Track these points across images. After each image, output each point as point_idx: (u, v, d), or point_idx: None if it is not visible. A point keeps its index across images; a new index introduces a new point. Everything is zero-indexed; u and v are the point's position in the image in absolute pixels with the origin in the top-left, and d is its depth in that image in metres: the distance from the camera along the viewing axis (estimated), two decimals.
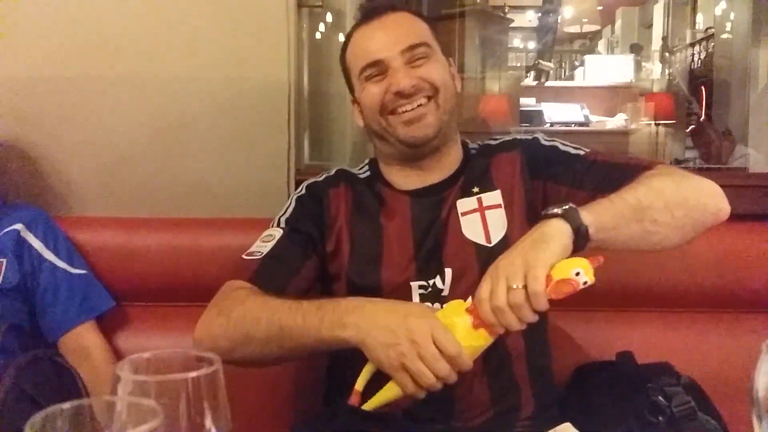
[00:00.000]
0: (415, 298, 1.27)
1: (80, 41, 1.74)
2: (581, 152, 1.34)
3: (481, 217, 1.31)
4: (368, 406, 1.09)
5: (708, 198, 1.19)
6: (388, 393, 1.08)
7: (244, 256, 1.31)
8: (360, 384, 1.09)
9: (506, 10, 5.32)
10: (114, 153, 1.77)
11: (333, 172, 1.46)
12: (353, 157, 2.09)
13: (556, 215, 1.06)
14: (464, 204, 1.33)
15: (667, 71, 6.12)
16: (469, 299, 1.07)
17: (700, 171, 4.05)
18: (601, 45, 8.45)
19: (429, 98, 1.29)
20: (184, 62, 1.75)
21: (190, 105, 1.75)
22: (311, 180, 1.44)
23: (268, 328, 1.12)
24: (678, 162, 4.54)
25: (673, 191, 1.15)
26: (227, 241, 1.65)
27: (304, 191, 1.42)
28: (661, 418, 1.16)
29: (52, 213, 1.64)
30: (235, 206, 1.76)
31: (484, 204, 1.32)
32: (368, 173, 1.45)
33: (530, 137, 1.41)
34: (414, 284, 1.28)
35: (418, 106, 1.28)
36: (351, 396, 1.09)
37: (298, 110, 1.82)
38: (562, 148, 1.36)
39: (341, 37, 1.90)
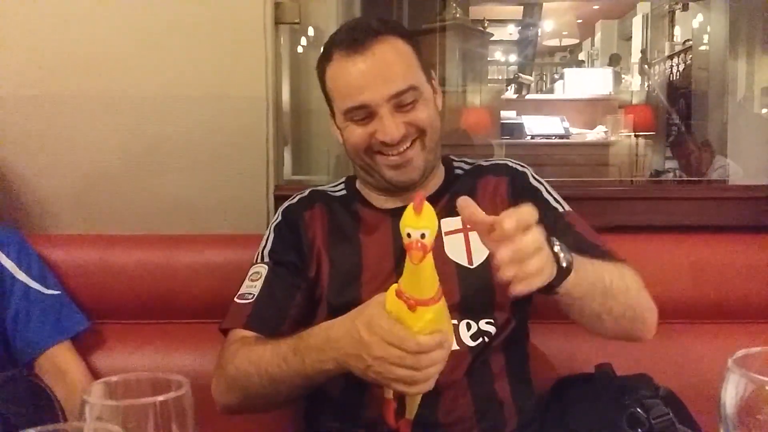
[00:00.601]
0: None
1: (55, 58, 1.73)
2: (560, 209, 1.33)
3: (465, 238, 1.30)
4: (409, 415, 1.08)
5: (649, 315, 1.23)
6: (411, 400, 1.06)
7: (236, 299, 1.32)
8: (411, 412, 1.07)
9: (486, 24, 5.36)
10: (89, 171, 1.76)
11: (306, 193, 1.44)
12: (336, 172, 2.09)
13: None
14: (449, 223, 1.30)
15: (646, 83, 6.19)
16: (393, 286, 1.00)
17: (680, 183, 4.11)
18: (582, 58, 8.53)
19: (415, 140, 1.28)
20: (161, 80, 1.75)
21: (166, 122, 1.74)
22: (286, 204, 1.43)
23: (260, 380, 1.16)
24: (658, 173, 4.59)
25: (634, 295, 1.18)
26: (205, 257, 1.65)
27: (280, 218, 1.41)
28: (639, 430, 1.16)
29: (24, 231, 1.62)
30: (213, 223, 1.75)
31: (468, 225, 1.30)
32: (344, 191, 1.44)
33: (520, 168, 1.39)
34: None
35: (405, 149, 1.27)
36: (384, 409, 1.07)
37: (278, 126, 1.82)
38: (544, 195, 1.35)
39: None
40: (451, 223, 1.31)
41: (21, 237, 1.58)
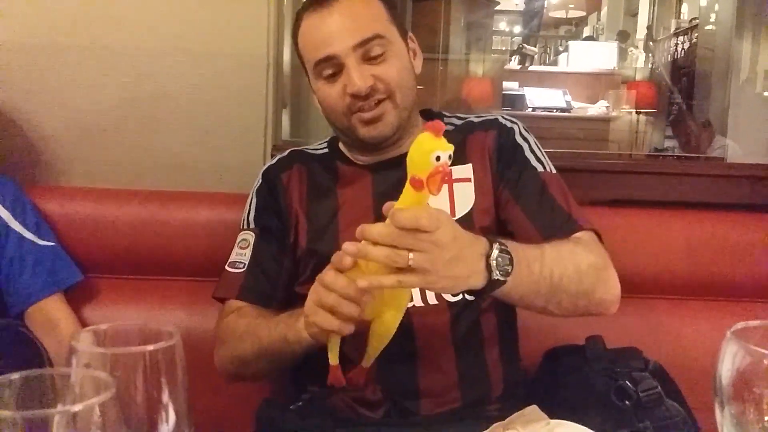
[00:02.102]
0: None
1: (54, 8, 1.70)
2: (539, 168, 1.31)
3: (449, 189, 1.29)
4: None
5: (609, 296, 1.20)
6: (331, 344, 1.04)
7: (227, 268, 1.34)
8: (333, 358, 1.05)
9: None
10: (87, 123, 1.74)
11: (286, 153, 1.44)
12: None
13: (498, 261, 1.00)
14: None
15: (650, 60, 6.14)
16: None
17: (679, 159, 4.10)
18: (587, 32, 8.45)
19: (385, 99, 1.26)
20: (161, 34, 1.72)
21: (164, 77, 1.72)
22: (266, 166, 1.43)
23: (253, 348, 1.20)
24: (657, 151, 4.57)
25: (590, 282, 1.15)
26: (199, 215, 1.64)
27: (261, 181, 1.41)
28: (627, 402, 1.16)
29: (20, 181, 1.60)
30: (209, 181, 1.74)
31: (454, 176, 1.29)
32: (326, 150, 1.43)
33: (509, 124, 1.37)
34: None
35: (377, 104, 1.25)
36: (330, 375, 1.06)
37: (277, 86, 1.80)
38: (526, 152, 1.32)
39: None
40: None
41: (17, 186, 1.56)
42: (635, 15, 7.52)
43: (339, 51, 1.23)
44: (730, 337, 0.62)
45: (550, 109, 4.66)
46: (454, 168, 1.26)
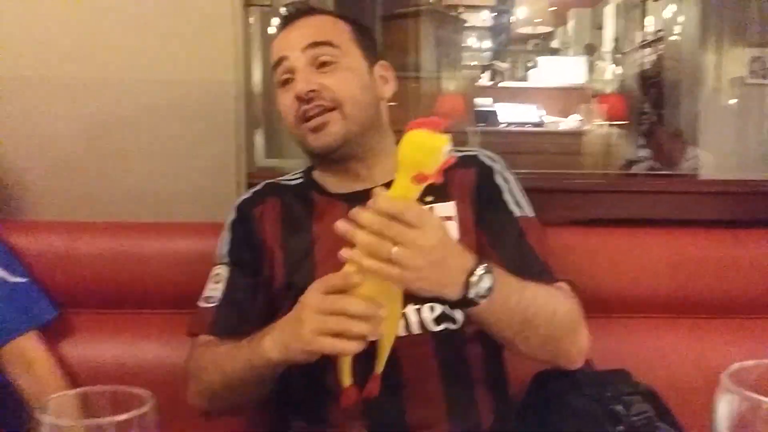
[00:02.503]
0: None
1: (17, 41, 1.68)
2: (516, 212, 1.28)
3: None
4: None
5: (575, 348, 1.19)
6: (343, 364, 1.02)
7: (200, 303, 1.30)
8: (346, 378, 1.03)
9: (460, 10, 5.32)
10: (52, 155, 1.71)
11: (261, 186, 1.41)
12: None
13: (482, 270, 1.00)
14: None
15: (618, 73, 6.21)
16: None
17: (650, 177, 4.13)
18: (555, 45, 8.53)
19: (333, 108, 1.24)
20: (125, 63, 1.70)
21: (131, 107, 1.70)
22: (240, 199, 1.40)
23: (219, 378, 1.16)
24: (630, 162, 4.60)
25: (562, 329, 1.14)
26: (175, 246, 1.61)
27: (234, 215, 1.38)
28: (620, 427, 1.15)
29: None
30: (182, 211, 1.70)
31: (436, 215, 1.26)
32: (300, 180, 1.40)
33: (488, 162, 1.34)
34: None
35: (322, 112, 1.23)
36: (344, 397, 1.03)
37: (249, 111, 1.77)
38: (505, 195, 1.29)
39: None
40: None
41: None
42: (600, 28, 7.63)
43: (290, 53, 1.24)
44: (726, 381, 0.59)
45: (522, 125, 4.69)
46: (436, 206, 1.25)
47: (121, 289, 1.59)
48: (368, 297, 0.94)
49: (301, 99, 1.23)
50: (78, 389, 0.60)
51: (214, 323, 1.26)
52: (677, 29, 5.94)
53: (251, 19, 1.88)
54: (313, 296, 0.99)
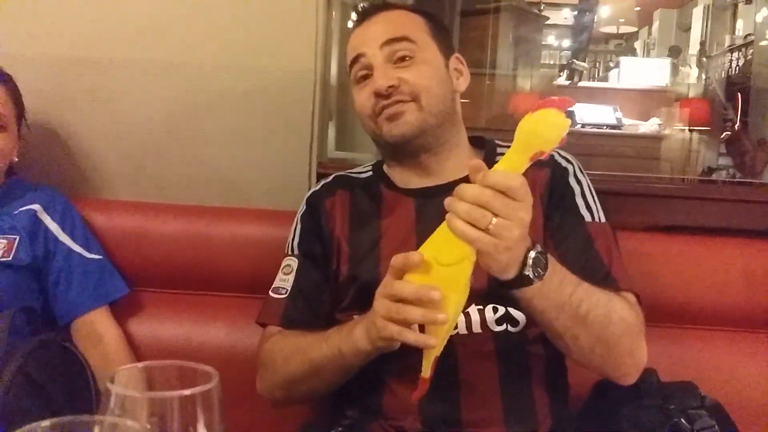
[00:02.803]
0: None
1: (108, 23, 1.72)
2: (587, 217, 1.25)
3: None
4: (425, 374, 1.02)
5: (629, 361, 1.15)
6: (425, 359, 1.01)
7: (270, 293, 1.33)
8: (427, 370, 1.01)
9: (542, 8, 5.24)
10: (134, 137, 1.75)
11: (330, 179, 1.42)
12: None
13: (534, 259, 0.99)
14: None
15: (703, 77, 6.00)
16: None
17: (731, 184, 3.99)
18: (638, 46, 8.32)
19: (410, 100, 1.24)
20: (210, 49, 1.72)
21: (212, 92, 1.72)
22: (311, 191, 1.41)
23: (303, 366, 1.18)
24: (711, 170, 4.45)
25: (616, 334, 1.10)
26: (244, 231, 1.64)
27: (305, 207, 1.39)
28: None
29: (69, 194, 1.62)
30: (254, 197, 1.73)
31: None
32: (370, 173, 1.40)
33: (564, 163, 1.31)
34: None
35: (397, 103, 1.23)
36: (420, 389, 1.02)
37: (324, 102, 1.79)
38: (576, 198, 1.27)
39: None
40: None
41: (66, 199, 1.58)
42: (687, 30, 7.38)
43: (367, 49, 1.25)
44: None
45: (600, 126, 4.57)
46: None
47: (191, 270, 1.63)
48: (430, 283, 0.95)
49: (380, 95, 1.23)
50: (145, 362, 0.62)
51: (285, 315, 1.29)
52: None
53: (333, 12, 1.89)
54: (384, 283, 1.01)
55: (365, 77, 1.27)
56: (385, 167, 1.39)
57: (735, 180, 3.83)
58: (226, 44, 1.72)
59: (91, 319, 1.51)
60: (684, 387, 1.31)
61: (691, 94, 5.50)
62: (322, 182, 1.42)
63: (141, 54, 1.72)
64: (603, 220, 1.27)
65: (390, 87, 1.22)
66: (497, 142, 1.39)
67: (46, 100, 1.72)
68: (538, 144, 0.90)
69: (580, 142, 4.14)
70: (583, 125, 4.61)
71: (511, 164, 0.92)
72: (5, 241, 1.45)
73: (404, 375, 1.17)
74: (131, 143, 1.76)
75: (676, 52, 6.83)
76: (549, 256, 1.01)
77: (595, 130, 4.58)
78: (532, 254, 0.97)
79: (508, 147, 1.37)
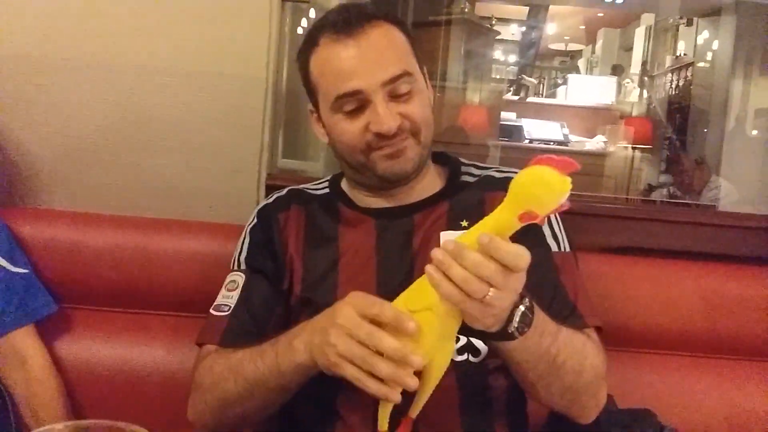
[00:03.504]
0: None
1: (45, 18, 1.59)
2: (553, 247, 1.21)
3: None
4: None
5: (593, 403, 1.13)
6: (382, 409, 0.95)
7: (212, 311, 1.23)
8: (383, 423, 0.95)
9: (493, 22, 5.26)
10: (69, 140, 1.63)
11: (284, 192, 1.33)
12: (330, 160, 1.98)
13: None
14: (449, 237, 1.18)
15: (645, 96, 6.15)
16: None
17: (668, 204, 4.07)
18: (581, 64, 8.49)
19: (408, 137, 1.17)
20: (153, 51, 1.61)
21: (157, 96, 1.62)
22: (262, 204, 1.33)
23: (236, 385, 1.08)
24: (651, 188, 4.54)
25: (585, 382, 1.07)
26: (187, 245, 1.54)
27: (255, 220, 1.30)
28: None
29: None
30: (198, 209, 1.63)
31: None
32: (326, 190, 1.33)
33: None
34: None
35: (400, 141, 1.16)
36: None
37: (275, 111, 1.70)
38: (543, 227, 1.21)
39: None
40: (450, 237, 1.20)
41: None
42: (630, 50, 7.57)
43: (366, 86, 1.13)
44: None
45: (547, 142, 4.61)
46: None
47: (126, 287, 1.51)
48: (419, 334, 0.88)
49: (383, 136, 1.14)
50: (70, 422, 0.53)
51: (226, 334, 1.19)
52: (709, 56, 5.88)
53: (287, 17, 1.81)
54: (348, 315, 0.92)
55: (357, 109, 1.16)
56: (343, 185, 1.32)
57: (673, 201, 3.91)
58: (172, 45, 1.61)
59: (14, 339, 1.38)
60: (642, 414, 1.29)
61: (635, 113, 5.63)
62: (275, 195, 1.33)
63: (79, 52, 1.60)
64: (568, 248, 1.22)
65: (397, 127, 1.14)
66: (462, 160, 1.33)
67: None
68: (527, 203, 0.82)
69: (527, 157, 4.18)
70: (531, 141, 4.65)
71: (499, 223, 0.85)
72: None
73: (357, 404, 1.10)
74: (65, 148, 1.63)
75: (619, 71, 6.99)
76: (535, 307, 0.96)
77: (542, 145, 4.62)
78: (521, 309, 0.93)
79: (473, 165, 1.33)
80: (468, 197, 1.24)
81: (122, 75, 1.61)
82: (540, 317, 0.97)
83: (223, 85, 1.62)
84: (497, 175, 1.29)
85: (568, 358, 1.02)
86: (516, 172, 1.26)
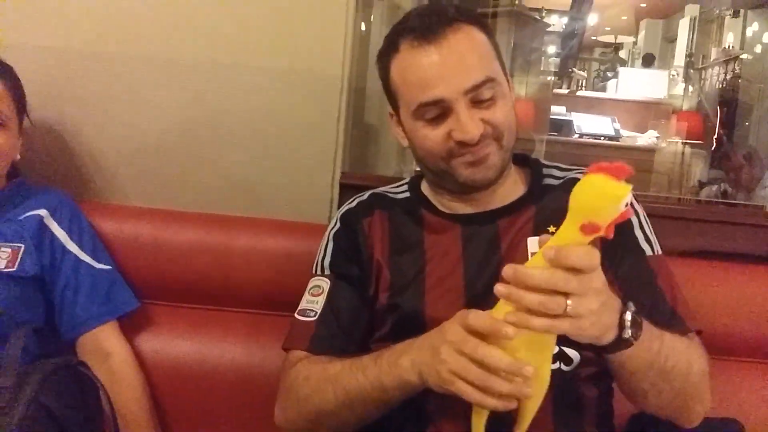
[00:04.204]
0: None
1: (123, 16, 1.61)
2: (648, 250, 1.19)
3: None
4: None
5: (701, 409, 1.12)
6: (477, 418, 0.95)
7: (297, 316, 1.23)
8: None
9: (543, 14, 5.18)
10: (148, 139, 1.64)
11: (366, 197, 1.32)
12: (399, 160, 1.97)
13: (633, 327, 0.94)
14: (537, 243, 1.19)
15: (690, 89, 6.03)
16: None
17: (717, 204, 3.98)
18: (623, 56, 8.35)
19: (491, 142, 1.15)
20: (229, 47, 1.62)
21: (233, 94, 1.62)
22: (344, 209, 1.31)
23: (336, 397, 1.08)
24: (701, 185, 4.44)
25: (695, 386, 1.07)
26: (264, 243, 1.54)
27: (338, 225, 1.29)
28: None
29: (75, 198, 1.51)
30: (273, 207, 1.64)
31: None
32: (407, 193, 1.31)
33: None
34: None
35: (483, 148, 1.14)
36: None
37: (350, 110, 1.69)
38: (635, 230, 1.20)
39: None
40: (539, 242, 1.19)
41: (73, 203, 1.48)
42: (673, 41, 7.42)
43: (448, 95, 1.11)
44: None
45: (597, 137, 4.53)
46: None
47: (206, 283, 1.52)
48: (517, 349, 0.87)
49: (466, 144, 1.13)
50: None
51: (314, 340, 1.19)
52: (758, 48, 5.75)
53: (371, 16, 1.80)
54: (455, 331, 0.92)
55: (439, 116, 1.14)
56: (423, 188, 1.30)
57: (719, 197, 3.83)
58: (248, 43, 1.61)
59: (98, 334, 1.40)
60: (727, 424, 1.26)
61: (685, 107, 5.53)
62: (357, 199, 1.32)
63: (157, 50, 1.61)
64: (659, 251, 1.20)
65: (480, 135, 1.12)
66: (543, 161, 1.31)
67: (53, 96, 1.61)
68: (585, 214, 0.81)
69: (576, 152, 4.12)
70: (581, 135, 4.58)
71: (563, 240, 0.84)
72: (9, 250, 1.34)
73: (449, 408, 1.08)
74: (144, 145, 1.65)
75: (649, 61, 6.86)
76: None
77: (591, 140, 4.55)
78: (629, 316, 0.92)
79: (556, 167, 1.31)
80: (553, 201, 1.21)
81: (199, 72, 1.62)
82: (645, 322, 0.96)
83: (299, 82, 1.62)
84: (580, 177, 1.26)
85: (676, 362, 1.01)
86: None
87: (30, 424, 1.01)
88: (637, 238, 1.19)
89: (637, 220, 1.20)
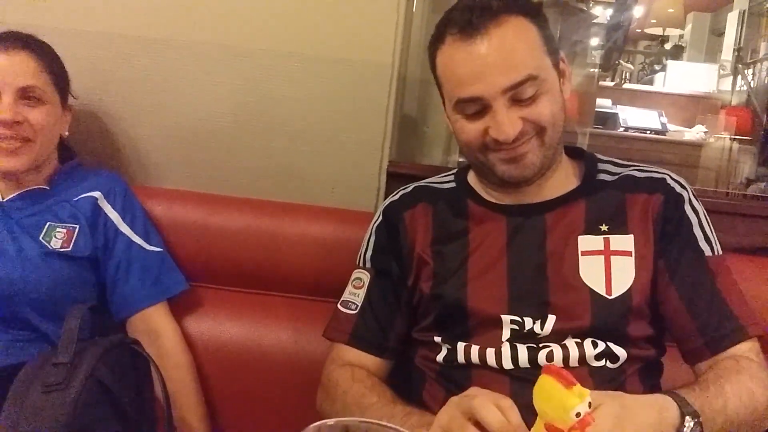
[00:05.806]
0: (506, 334, 1.13)
1: (176, 2, 1.64)
2: (707, 251, 1.15)
3: (605, 262, 1.14)
4: None
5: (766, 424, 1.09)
6: None
7: (339, 306, 1.27)
8: None
9: (591, 5, 5.08)
10: (197, 123, 1.67)
11: (410, 189, 1.31)
12: (448, 149, 1.96)
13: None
14: (588, 242, 1.15)
15: (743, 84, 5.89)
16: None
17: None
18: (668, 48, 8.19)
19: (532, 137, 1.13)
20: (278, 35, 1.63)
21: (283, 81, 1.64)
22: (388, 201, 1.31)
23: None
24: (749, 182, 4.34)
25: (759, 424, 1.06)
26: (312, 229, 1.56)
27: (381, 218, 1.30)
28: None
29: (127, 181, 1.54)
30: (320, 194, 1.65)
31: (612, 247, 1.14)
32: (453, 184, 1.30)
33: (679, 189, 1.19)
34: (505, 318, 1.13)
35: (520, 144, 1.12)
36: None
37: (399, 99, 1.69)
38: (695, 229, 1.16)
39: None
40: (590, 242, 1.16)
41: (125, 186, 1.51)
42: (721, 35, 7.26)
43: (486, 93, 1.09)
44: None
45: (644, 131, 4.44)
46: (612, 238, 1.15)
47: (254, 268, 1.54)
48: None
49: (504, 143, 1.12)
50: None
51: (354, 333, 1.23)
52: None
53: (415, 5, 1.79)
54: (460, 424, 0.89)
55: (479, 112, 1.13)
56: (470, 178, 1.30)
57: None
58: (298, 30, 1.62)
59: (149, 314, 1.43)
60: None
61: (733, 102, 5.40)
62: (401, 192, 1.32)
63: (208, 37, 1.63)
64: (720, 252, 1.17)
65: (517, 133, 1.11)
66: (599, 156, 1.28)
67: (104, 79, 1.65)
68: (544, 417, 0.79)
69: (621, 146, 4.05)
70: (627, 129, 4.49)
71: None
72: (65, 231, 1.38)
73: None
74: (194, 130, 1.67)
75: (677, 53, 6.72)
76: (696, 402, 0.96)
77: (637, 134, 4.46)
78: (686, 428, 0.94)
79: (611, 162, 1.28)
80: (606, 199, 1.20)
81: (250, 59, 1.64)
82: (706, 410, 0.97)
83: (349, 70, 1.63)
84: (638, 174, 1.22)
85: (742, 419, 1.02)
86: (657, 171, 1.22)
87: (86, 399, 1.04)
88: (696, 237, 1.16)
89: (696, 219, 1.17)
